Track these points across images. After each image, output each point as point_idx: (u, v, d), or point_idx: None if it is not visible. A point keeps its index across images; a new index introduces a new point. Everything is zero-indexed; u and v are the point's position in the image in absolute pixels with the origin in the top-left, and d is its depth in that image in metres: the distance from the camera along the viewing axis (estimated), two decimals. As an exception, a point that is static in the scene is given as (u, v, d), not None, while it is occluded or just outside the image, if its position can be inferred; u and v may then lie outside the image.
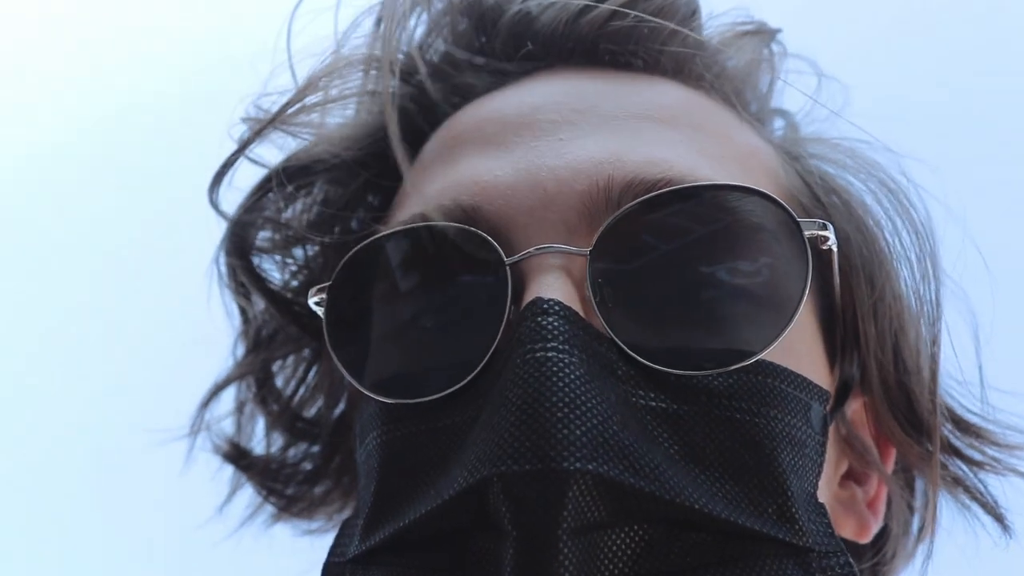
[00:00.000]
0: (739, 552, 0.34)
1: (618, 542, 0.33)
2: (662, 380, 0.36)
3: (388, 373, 0.40)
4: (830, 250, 0.40)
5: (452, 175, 0.42)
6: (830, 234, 0.39)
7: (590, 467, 0.31)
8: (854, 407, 0.49)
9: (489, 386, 0.36)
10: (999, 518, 0.51)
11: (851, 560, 0.36)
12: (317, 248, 0.53)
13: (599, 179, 0.39)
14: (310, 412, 0.57)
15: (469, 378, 0.37)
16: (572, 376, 0.33)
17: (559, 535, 0.31)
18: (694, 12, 0.51)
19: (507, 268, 0.38)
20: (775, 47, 0.56)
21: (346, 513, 0.57)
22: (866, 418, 0.49)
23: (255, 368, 0.55)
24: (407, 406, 0.38)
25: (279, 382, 0.57)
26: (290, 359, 0.57)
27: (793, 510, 0.35)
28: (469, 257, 0.39)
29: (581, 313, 0.36)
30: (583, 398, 0.32)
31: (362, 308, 0.41)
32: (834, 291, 0.44)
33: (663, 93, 0.46)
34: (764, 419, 0.36)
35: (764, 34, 0.55)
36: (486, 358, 0.37)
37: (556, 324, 0.34)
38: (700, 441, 0.35)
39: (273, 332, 0.56)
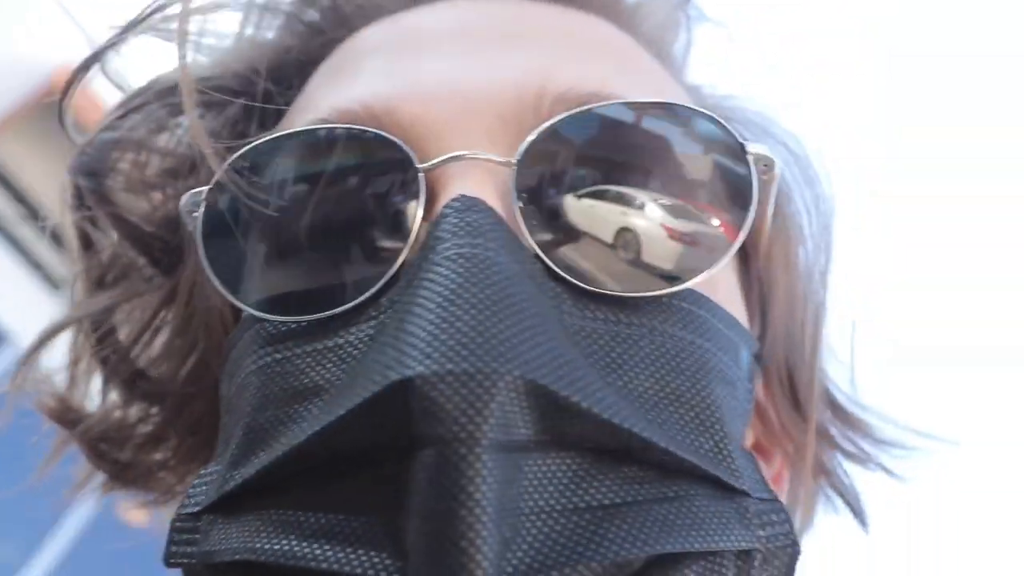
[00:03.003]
0: (674, 490, 0.31)
1: (544, 468, 0.29)
2: (592, 300, 0.33)
3: (272, 291, 0.35)
4: (771, 180, 0.38)
5: (359, 81, 0.38)
6: (776, 156, 0.37)
7: (523, 372, 0.27)
8: (760, 378, 0.47)
9: (394, 300, 0.32)
10: (858, 513, 0.52)
11: (787, 511, 0.33)
12: (182, 181, 0.47)
13: (528, 88, 0.36)
14: (155, 370, 0.50)
15: (370, 292, 0.33)
16: (504, 274, 0.29)
17: (481, 446, 0.26)
18: None
19: (420, 174, 0.34)
20: (691, 11, 0.54)
21: (188, 485, 0.50)
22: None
23: (94, 312, 0.49)
24: (291, 326, 0.34)
25: (121, 334, 0.50)
26: (135, 307, 0.49)
27: (730, 448, 0.33)
28: (375, 164, 0.35)
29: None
30: (516, 298, 0.28)
31: (244, 218, 0.36)
32: (762, 239, 0.42)
33: (595, 25, 0.44)
34: (698, 349, 0.34)
35: None
36: (392, 270, 0.33)
37: (484, 221, 0.31)
38: (634, 365, 0.32)
39: (120, 273, 0.49)
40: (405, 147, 0.34)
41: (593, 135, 0.35)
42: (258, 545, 0.30)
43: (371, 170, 0.35)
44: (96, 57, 0.45)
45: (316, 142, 0.35)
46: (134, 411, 0.50)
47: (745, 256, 0.44)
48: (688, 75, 0.54)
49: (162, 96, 0.45)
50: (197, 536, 0.33)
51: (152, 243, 0.47)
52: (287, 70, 0.46)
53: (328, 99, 0.38)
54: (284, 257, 0.35)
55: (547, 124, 0.34)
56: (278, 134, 0.36)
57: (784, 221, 0.46)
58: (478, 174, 0.34)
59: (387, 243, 0.33)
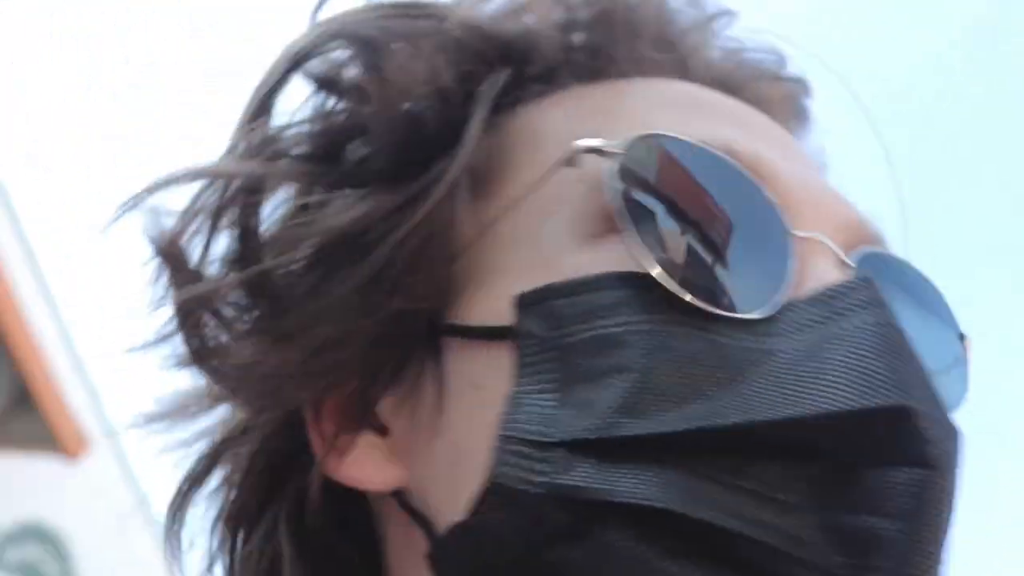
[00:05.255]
0: None
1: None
2: None
3: (687, 272, 0.37)
4: None
5: (740, 129, 0.42)
6: None
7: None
8: None
9: (799, 327, 0.36)
10: None
11: None
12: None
13: (858, 212, 0.42)
14: (300, 283, 0.42)
15: (766, 314, 0.36)
16: (909, 341, 0.35)
17: (956, 477, 0.35)
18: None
19: (791, 237, 0.38)
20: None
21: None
22: None
23: (247, 173, 0.42)
24: (688, 308, 0.36)
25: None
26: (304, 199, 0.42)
27: None
28: (756, 209, 0.39)
29: None
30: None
31: (654, 192, 0.38)
32: None
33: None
34: None
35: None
36: (779, 304, 0.37)
37: (883, 297, 0.36)
38: None
39: (319, 149, 0.43)
40: (779, 211, 0.39)
41: (895, 278, 0.41)
42: (674, 498, 0.32)
43: (753, 212, 0.39)
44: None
45: (719, 164, 0.39)
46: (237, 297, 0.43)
47: None
48: None
49: None
50: (544, 466, 0.34)
51: (408, 123, 0.42)
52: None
53: (710, 127, 0.40)
54: (686, 243, 0.38)
55: (870, 249, 0.41)
56: (691, 141, 0.39)
57: None
58: (831, 260, 0.39)
59: (768, 279, 0.37)
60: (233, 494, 0.45)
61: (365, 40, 0.43)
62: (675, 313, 0.36)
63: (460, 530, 0.36)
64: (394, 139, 0.42)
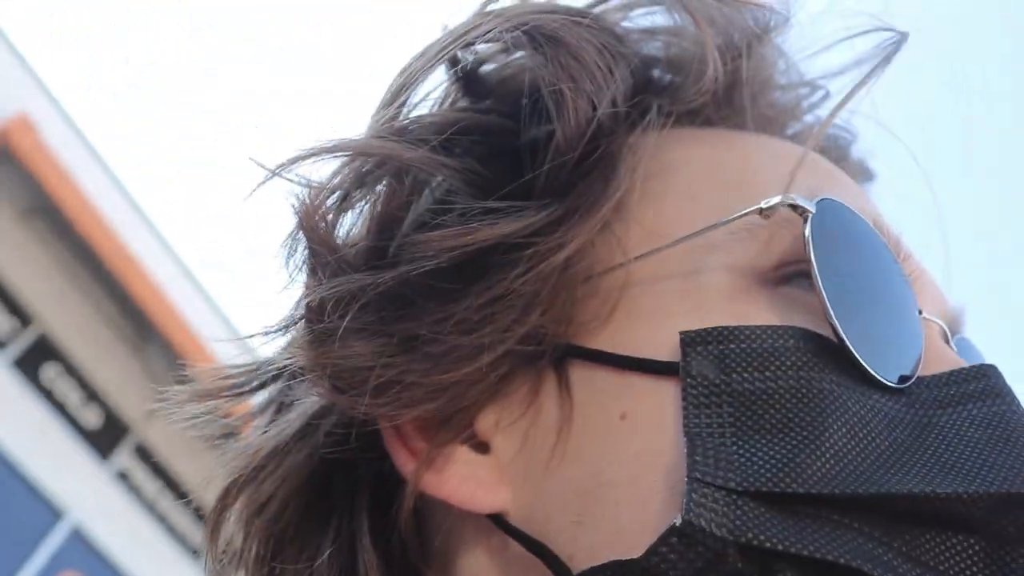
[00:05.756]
0: None
1: None
2: None
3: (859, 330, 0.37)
4: None
5: (867, 203, 0.44)
6: None
7: None
8: None
9: (931, 402, 0.37)
10: None
11: None
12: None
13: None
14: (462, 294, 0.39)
15: (909, 384, 0.37)
16: None
17: None
18: None
19: (921, 317, 0.40)
20: None
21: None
22: None
23: (418, 160, 0.40)
24: (859, 371, 0.36)
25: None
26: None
27: None
28: (897, 285, 0.40)
29: None
30: None
31: (838, 255, 0.38)
32: None
33: None
34: None
35: None
36: (912, 377, 0.38)
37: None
38: None
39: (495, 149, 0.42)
40: (913, 291, 0.40)
41: (967, 356, 0.43)
42: (859, 557, 0.31)
43: (893, 284, 0.40)
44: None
45: (870, 233, 0.40)
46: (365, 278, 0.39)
47: None
48: None
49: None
50: (737, 512, 0.32)
51: (592, 139, 0.40)
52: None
53: (854, 202, 0.41)
54: (863, 307, 0.38)
55: (962, 337, 0.45)
56: (849, 207, 0.40)
57: None
58: (945, 343, 0.42)
59: (910, 350, 0.39)
60: (276, 504, 0.42)
61: (556, 40, 0.40)
62: (845, 375, 0.36)
63: (622, 567, 0.33)
64: (576, 155, 0.39)
